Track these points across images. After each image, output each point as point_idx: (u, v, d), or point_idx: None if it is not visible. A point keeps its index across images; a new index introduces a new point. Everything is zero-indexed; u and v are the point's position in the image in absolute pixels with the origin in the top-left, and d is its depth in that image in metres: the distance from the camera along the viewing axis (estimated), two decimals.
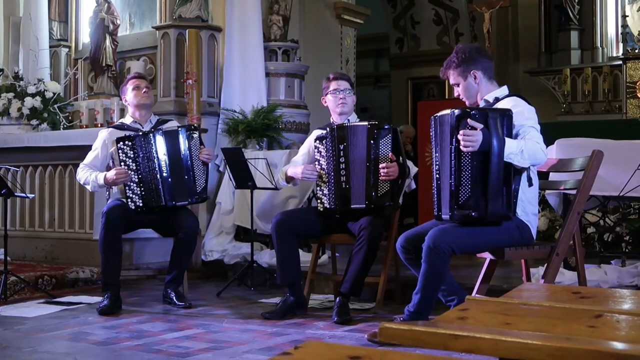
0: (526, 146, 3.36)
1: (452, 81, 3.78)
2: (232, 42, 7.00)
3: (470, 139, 3.32)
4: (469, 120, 3.36)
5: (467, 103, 3.76)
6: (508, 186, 3.41)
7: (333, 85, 4.54)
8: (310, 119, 7.31)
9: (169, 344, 3.71)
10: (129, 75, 5.28)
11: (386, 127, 4.35)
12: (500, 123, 3.36)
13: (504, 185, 3.39)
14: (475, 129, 3.33)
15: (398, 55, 12.37)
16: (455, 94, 3.81)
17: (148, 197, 4.70)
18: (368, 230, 4.19)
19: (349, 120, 4.52)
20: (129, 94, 4.92)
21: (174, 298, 4.76)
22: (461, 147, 3.35)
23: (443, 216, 3.54)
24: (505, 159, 3.33)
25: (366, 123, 4.38)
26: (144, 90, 4.92)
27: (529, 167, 3.47)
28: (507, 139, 3.34)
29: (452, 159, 3.43)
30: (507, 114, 3.42)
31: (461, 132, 3.35)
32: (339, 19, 8.94)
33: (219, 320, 4.33)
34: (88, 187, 4.91)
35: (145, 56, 7.40)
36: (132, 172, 4.68)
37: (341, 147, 4.36)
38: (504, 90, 3.74)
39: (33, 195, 6.04)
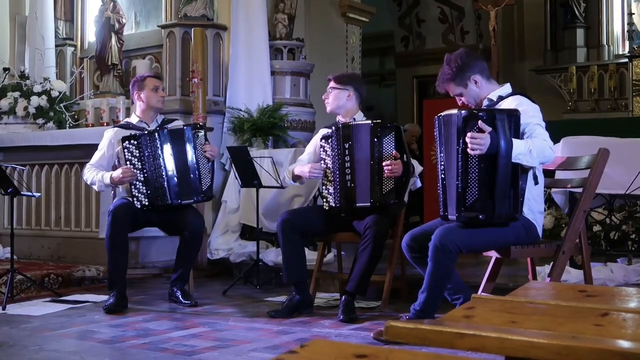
0: (534, 145, 3.32)
1: (452, 93, 3.68)
2: (237, 40, 6.99)
3: (478, 142, 3.26)
4: (479, 122, 3.29)
5: (472, 106, 3.70)
6: (515, 187, 3.37)
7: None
8: (316, 117, 7.30)
9: (175, 342, 3.72)
10: (147, 73, 5.28)
11: (389, 125, 4.35)
12: (507, 124, 3.31)
13: (511, 186, 3.35)
14: (484, 131, 3.28)
15: (403, 53, 12.35)
16: (459, 103, 3.70)
17: (154, 195, 4.71)
18: (373, 229, 4.19)
19: (354, 119, 4.52)
20: (147, 93, 4.90)
21: (180, 296, 4.77)
22: (468, 149, 3.30)
23: (449, 217, 3.52)
24: (513, 160, 3.29)
25: (369, 122, 4.38)
26: (162, 95, 4.97)
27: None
28: (514, 140, 3.30)
29: (459, 160, 3.38)
30: (514, 114, 3.36)
31: (469, 134, 3.29)
32: (344, 17, 8.94)
33: (224, 319, 4.33)
34: (95, 187, 4.94)
35: (150, 55, 7.42)
36: (138, 171, 4.69)
37: (346, 145, 4.36)
38: (507, 88, 3.69)
39: (39, 194, 6.07)
